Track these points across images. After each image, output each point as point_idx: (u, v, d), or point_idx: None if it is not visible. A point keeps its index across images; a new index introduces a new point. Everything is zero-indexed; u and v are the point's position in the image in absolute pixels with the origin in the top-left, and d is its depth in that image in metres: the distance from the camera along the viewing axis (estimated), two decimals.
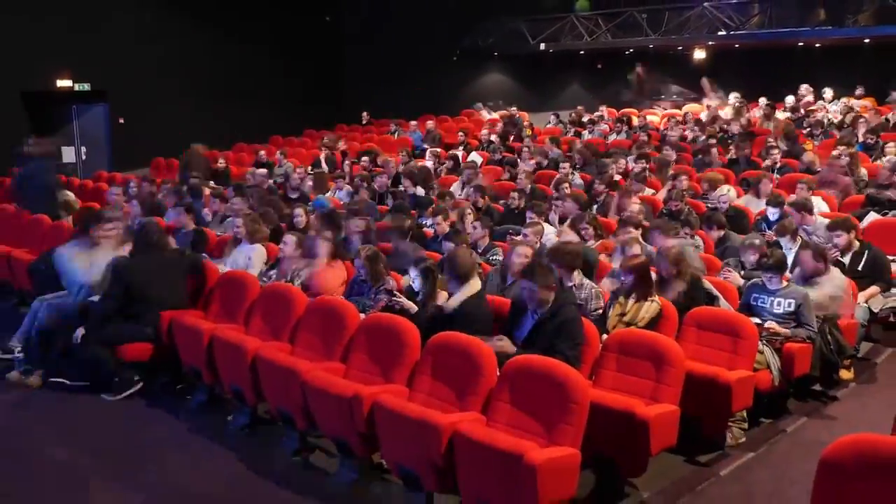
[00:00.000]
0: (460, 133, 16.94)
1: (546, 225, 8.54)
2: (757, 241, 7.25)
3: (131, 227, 8.55)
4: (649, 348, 5.40)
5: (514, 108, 20.01)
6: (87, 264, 7.21)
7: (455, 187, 11.67)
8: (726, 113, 16.90)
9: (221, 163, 15.00)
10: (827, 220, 8.05)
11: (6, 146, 16.34)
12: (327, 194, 11.66)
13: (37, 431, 6.24)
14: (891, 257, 7.62)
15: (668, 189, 10.09)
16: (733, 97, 18.27)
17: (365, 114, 20.96)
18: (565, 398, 4.59)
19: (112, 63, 18.89)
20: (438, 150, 15.53)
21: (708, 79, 19.96)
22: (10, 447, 5.88)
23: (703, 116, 17.17)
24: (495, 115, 19.83)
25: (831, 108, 17.11)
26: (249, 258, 7.95)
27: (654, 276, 6.50)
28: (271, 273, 7.63)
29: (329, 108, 22.04)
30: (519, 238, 7.64)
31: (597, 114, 19.06)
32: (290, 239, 7.58)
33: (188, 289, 7.44)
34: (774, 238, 7.80)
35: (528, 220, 8.40)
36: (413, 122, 19.32)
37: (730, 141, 13.64)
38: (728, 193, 9.49)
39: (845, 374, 6.86)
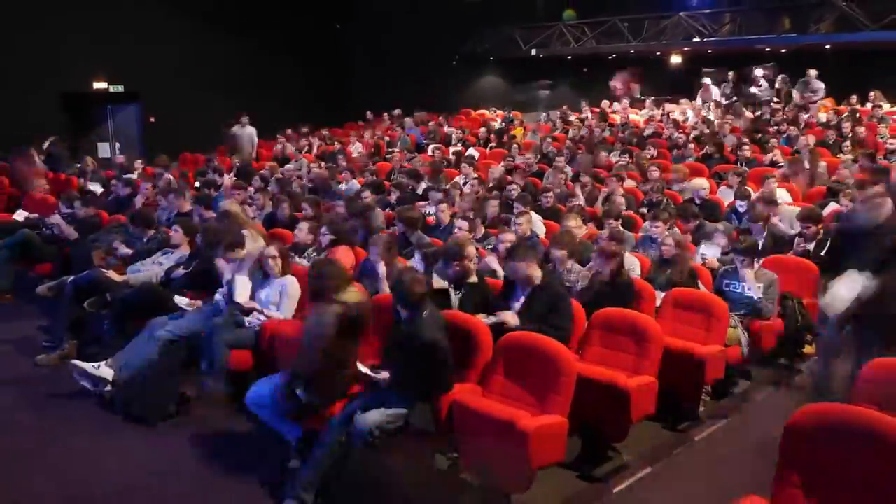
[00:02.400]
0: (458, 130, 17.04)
1: (534, 213, 8.48)
2: (722, 228, 7.31)
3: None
4: (631, 325, 5.40)
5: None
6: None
7: (457, 181, 11.60)
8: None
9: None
10: (792, 209, 8.04)
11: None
12: (340, 186, 11.61)
13: None
14: None
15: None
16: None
17: (369, 113, 20.97)
18: (554, 371, 4.59)
19: (144, 67, 18.97)
20: (440, 146, 15.51)
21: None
22: None
23: (678, 115, 17.12)
24: None
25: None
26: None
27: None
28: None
29: (339, 107, 22.00)
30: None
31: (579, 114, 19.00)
32: (303, 225, 7.55)
33: None
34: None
35: (515, 211, 8.33)
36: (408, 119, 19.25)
37: (702, 138, 13.61)
38: (695, 184, 9.47)
39: (808, 349, 6.85)
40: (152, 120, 19.72)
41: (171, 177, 12.12)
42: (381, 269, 6.25)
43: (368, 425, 4.43)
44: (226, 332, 5.82)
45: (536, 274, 5.54)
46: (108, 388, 5.91)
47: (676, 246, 6.63)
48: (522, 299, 5.56)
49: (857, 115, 14.82)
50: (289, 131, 18.21)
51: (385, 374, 4.78)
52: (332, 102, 22.24)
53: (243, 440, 5.41)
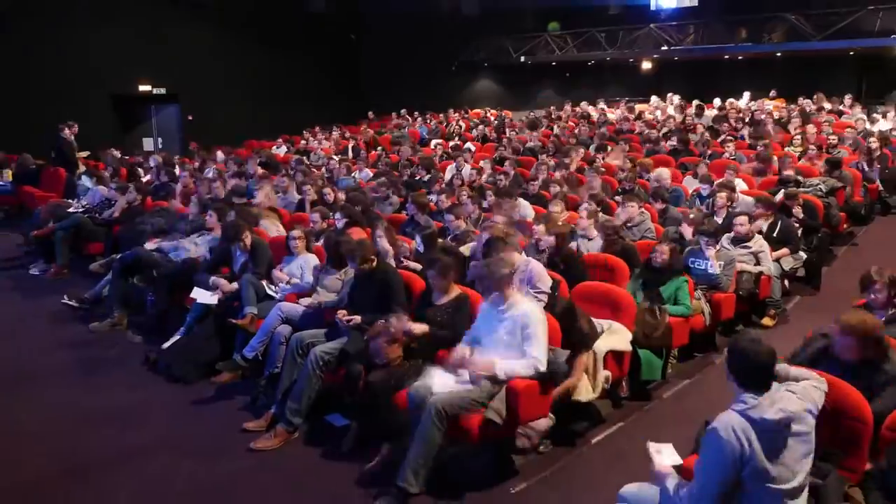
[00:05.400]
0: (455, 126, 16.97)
1: (521, 199, 8.39)
2: (693, 215, 7.28)
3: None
4: (606, 297, 5.37)
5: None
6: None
7: (450, 170, 11.50)
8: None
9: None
10: (749, 198, 7.98)
11: (99, 137, 16.39)
12: (354, 175, 11.51)
13: None
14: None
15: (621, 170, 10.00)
16: (677, 99, 18.15)
17: (371, 113, 21.01)
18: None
19: (183, 72, 19.04)
20: (441, 141, 15.42)
21: None
22: None
23: (649, 115, 17.01)
24: None
25: (752, 105, 16.96)
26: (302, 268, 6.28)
27: None
28: None
29: (352, 107, 21.94)
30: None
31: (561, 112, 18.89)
32: (315, 216, 7.44)
33: None
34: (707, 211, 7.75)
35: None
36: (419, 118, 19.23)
37: (670, 134, 13.49)
38: (662, 175, 9.42)
39: (768, 322, 6.80)
40: (190, 118, 19.71)
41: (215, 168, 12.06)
42: (385, 246, 6.22)
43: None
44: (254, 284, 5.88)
45: (517, 258, 5.39)
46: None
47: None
48: None
49: (808, 113, 14.71)
50: (316, 128, 18.14)
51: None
52: (347, 103, 22.18)
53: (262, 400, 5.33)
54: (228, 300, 5.97)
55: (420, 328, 4.72)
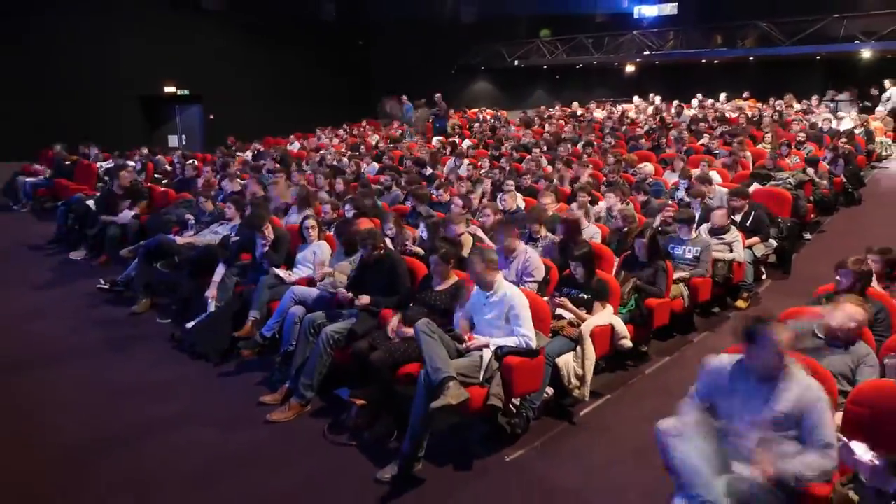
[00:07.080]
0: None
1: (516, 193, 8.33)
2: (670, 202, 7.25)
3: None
4: None
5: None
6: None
7: (449, 164, 11.44)
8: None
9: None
10: (724, 189, 7.94)
11: (129, 135, 16.36)
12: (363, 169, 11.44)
13: None
14: None
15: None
16: (658, 99, 18.05)
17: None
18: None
19: (205, 75, 19.00)
20: (442, 137, 15.34)
21: None
22: None
23: (632, 114, 16.93)
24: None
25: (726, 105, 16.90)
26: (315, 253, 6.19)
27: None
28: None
29: (360, 107, 21.85)
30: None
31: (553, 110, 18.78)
32: (327, 207, 7.40)
33: None
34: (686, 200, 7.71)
35: (504, 189, 8.19)
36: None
37: (651, 131, 13.43)
38: (645, 169, 9.36)
39: (741, 304, 6.76)
40: (211, 117, 19.67)
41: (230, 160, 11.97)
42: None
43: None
44: (268, 286, 5.79)
45: (518, 246, 5.41)
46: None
47: (624, 220, 6.58)
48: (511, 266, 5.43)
49: (782, 113, 14.64)
50: (329, 128, 18.07)
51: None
52: (355, 104, 22.09)
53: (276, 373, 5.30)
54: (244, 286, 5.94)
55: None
